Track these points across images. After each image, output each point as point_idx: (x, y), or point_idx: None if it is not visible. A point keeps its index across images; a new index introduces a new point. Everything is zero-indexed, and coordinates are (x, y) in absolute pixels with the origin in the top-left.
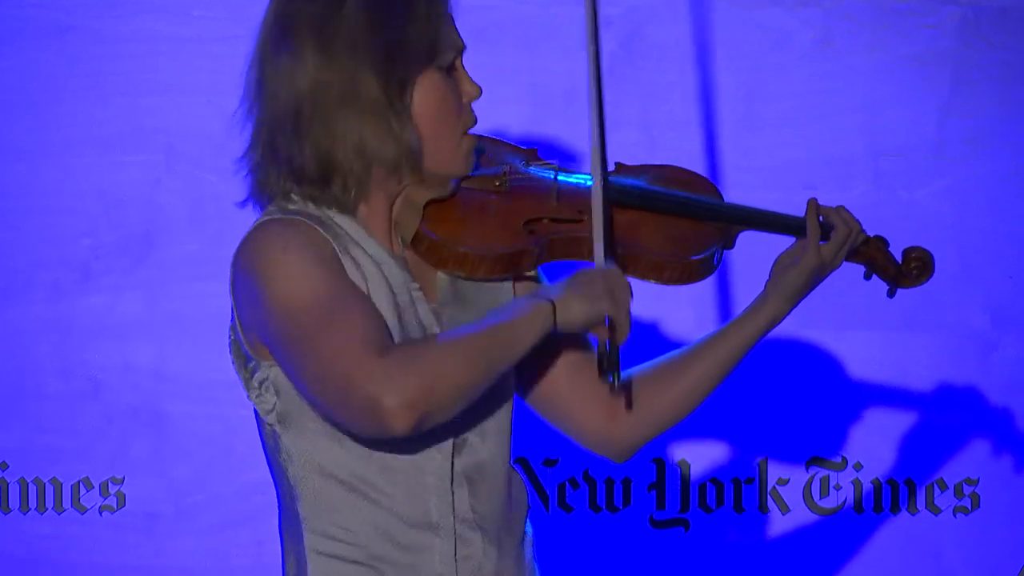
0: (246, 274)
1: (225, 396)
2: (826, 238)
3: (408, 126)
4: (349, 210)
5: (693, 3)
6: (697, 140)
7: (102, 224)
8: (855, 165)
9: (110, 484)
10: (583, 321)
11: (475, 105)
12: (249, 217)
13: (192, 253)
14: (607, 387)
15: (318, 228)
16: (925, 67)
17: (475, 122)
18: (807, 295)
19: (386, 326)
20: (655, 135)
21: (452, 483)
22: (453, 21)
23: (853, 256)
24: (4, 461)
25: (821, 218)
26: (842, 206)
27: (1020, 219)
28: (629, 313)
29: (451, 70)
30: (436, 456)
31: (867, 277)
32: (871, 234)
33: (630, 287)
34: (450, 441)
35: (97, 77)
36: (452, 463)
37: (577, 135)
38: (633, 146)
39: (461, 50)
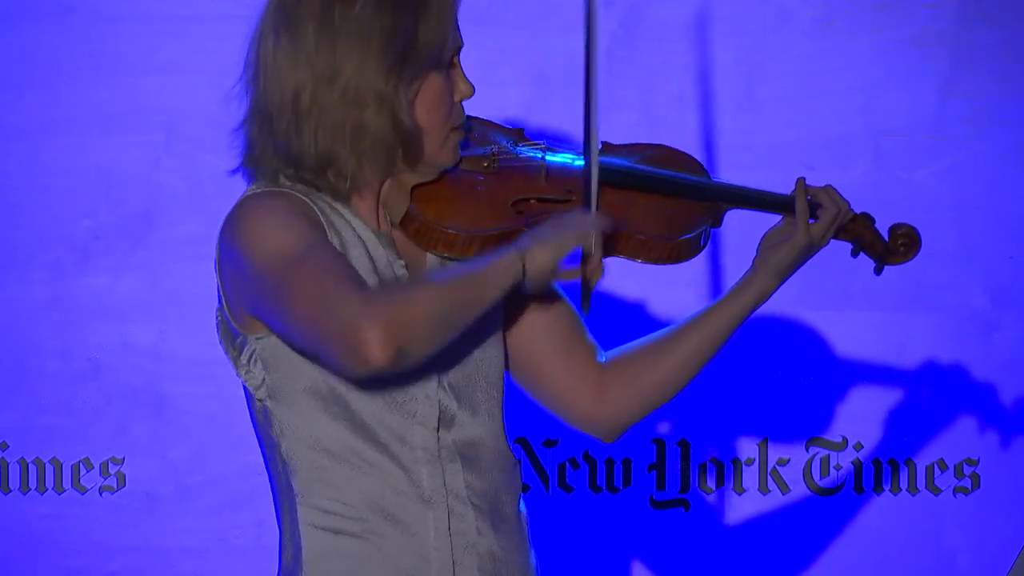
0: (230, 246)
1: (225, 377)
2: (814, 217)
3: (411, 121)
4: (344, 198)
5: None
6: (696, 119)
7: (102, 204)
8: (855, 145)
9: (110, 464)
10: (549, 270)
11: (477, 86)
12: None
13: (192, 233)
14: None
15: (303, 198)
16: (925, 47)
17: (463, 119)
18: (794, 273)
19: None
20: (655, 115)
21: (440, 457)
22: (456, 19)
23: (841, 234)
24: (4, 441)
25: (809, 197)
26: (830, 185)
27: (1020, 199)
28: (598, 243)
29: (449, 67)
30: (421, 430)
31: (854, 255)
32: (859, 212)
33: (605, 220)
34: (435, 414)
35: (97, 57)
36: (438, 437)
37: (579, 117)
38: (633, 126)
39: (460, 48)
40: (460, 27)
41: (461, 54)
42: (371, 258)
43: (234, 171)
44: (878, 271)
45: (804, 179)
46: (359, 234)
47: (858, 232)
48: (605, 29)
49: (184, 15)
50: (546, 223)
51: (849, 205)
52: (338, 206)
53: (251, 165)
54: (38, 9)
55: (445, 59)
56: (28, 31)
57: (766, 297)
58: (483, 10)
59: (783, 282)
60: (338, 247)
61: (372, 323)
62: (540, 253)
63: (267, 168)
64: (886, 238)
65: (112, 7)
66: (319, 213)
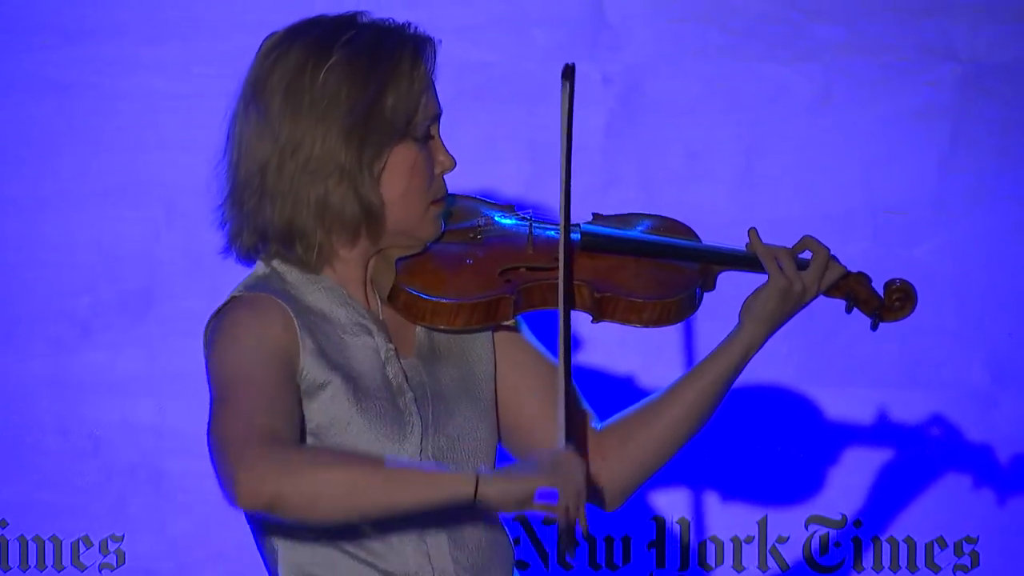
0: (206, 354)
1: None
2: (803, 268)
3: (374, 194)
4: (314, 270)
5: (692, 59)
6: (696, 196)
7: (101, 280)
8: (854, 221)
9: (110, 542)
10: (502, 496)
11: (474, 162)
12: (244, 272)
13: (191, 309)
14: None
15: (281, 303)
16: (925, 122)
17: (445, 192)
18: (783, 322)
19: (293, 420)
20: (653, 190)
21: (424, 532)
22: (434, 87)
23: (833, 291)
24: (4, 519)
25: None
26: (807, 235)
27: (1020, 275)
28: (580, 491)
29: (427, 139)
30: None
31: (848, 311)
32: (855, 271)
33: (583, 465)
34: None
35: (96, 133)
36: (422, 514)
37: (576, 193)
38: (632, 201)
39: (438, 116)
40: (457, 103)
41: (459, 131)
42: (348, 349)
43: (223, 252)
44: (874, 327)
45: (755, 229)
46: (342, 325)
47: (851, 288)
48: (604, 106)
49: (183, 92)
50: (527, 458)
51: (829, 251)
52: (322, 295)
53: (232, 244)
54: (37, 86)
55: (419, 130)
56: (27, 107)
57: (755, 348)
58: (480, 85)
59: (771, 332)
60: (315, 350)
61: (249, 478)
62: (501, 480)
63: (244, 245)
64: (881, 295)
65: (111, 84)
66: (296, 322)
